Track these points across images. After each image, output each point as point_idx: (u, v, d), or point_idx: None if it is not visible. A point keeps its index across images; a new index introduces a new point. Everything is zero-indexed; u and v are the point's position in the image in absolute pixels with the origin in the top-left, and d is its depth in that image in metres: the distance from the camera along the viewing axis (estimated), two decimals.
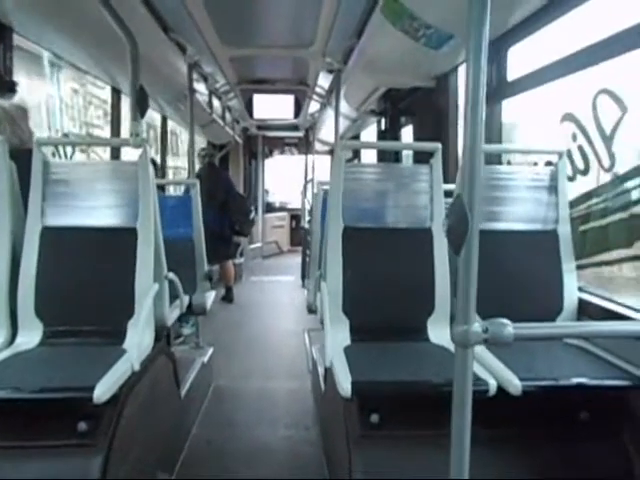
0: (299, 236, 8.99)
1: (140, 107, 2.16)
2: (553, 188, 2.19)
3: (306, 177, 8.09)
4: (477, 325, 0.98)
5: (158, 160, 5.31)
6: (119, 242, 2.03)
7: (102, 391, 1.50)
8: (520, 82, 2.50)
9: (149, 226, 2.04)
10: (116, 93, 3.88)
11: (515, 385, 1.57)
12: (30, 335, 1.92)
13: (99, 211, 2.07)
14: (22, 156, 2.02)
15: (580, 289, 2.16)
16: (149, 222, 2.04)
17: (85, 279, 2.02)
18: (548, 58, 2.21)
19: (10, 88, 2.59)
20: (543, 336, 1.19)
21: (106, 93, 4.07)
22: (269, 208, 9.63)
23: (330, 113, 5.88)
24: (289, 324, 4.90)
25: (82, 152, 4.06)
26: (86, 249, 2.05)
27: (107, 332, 1.94)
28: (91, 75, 3.76)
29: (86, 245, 2.05)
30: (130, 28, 2.25)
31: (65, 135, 3.65)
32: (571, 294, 2.13)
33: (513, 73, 2.59)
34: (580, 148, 2.18)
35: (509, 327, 0.97)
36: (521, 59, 2.56)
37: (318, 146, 8.55)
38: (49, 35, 2.71)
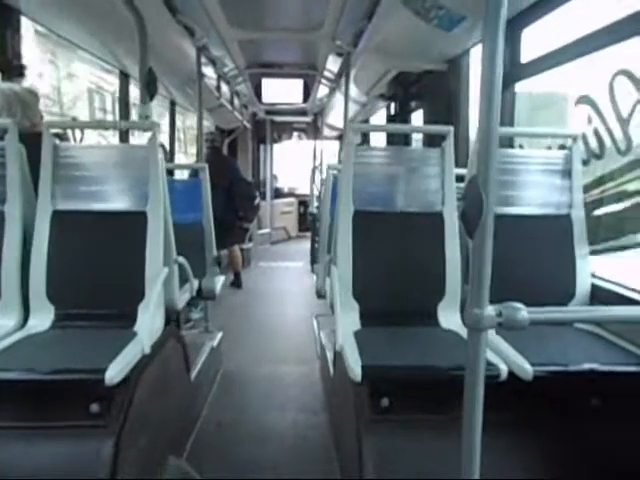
0: (307, 222, 8.98)
1: (149, 90, 2.15)
2: (567, 172, 2.16)
3: (314, 162, 8.05)
4: (491, 309, 0.97)
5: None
6: (129, 226, 2.03)
7: (114, 373, 1.51)
8: (534, 64, 2.44)
9: (159, 210, 2.04)
10: (124, 77, 3.86)
11: (526, 370, 1.56)
12: (42, 318, 1.93)
13: (109, 195, 2.06)
14: (32, 140, 2.02)
15: (593, 275, 2.14)
16: (159, 206, 2.04)
17: (96, 263, 2.03)
18: (562, 40, 2.15)
19: (20, 72, 2.59)
20: (558, 320, 1.17)
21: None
22: (277, 194, 9.59)
23: (339, 97, 5.82)
24: (297, 310, 4.91)
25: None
26: (96, 233, 2.05)
27: (118, 315, 1.95)
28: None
29: (96, 229, 2.05)
30: (138, 9, 2.22)
31: (73, 119, 3.66)
32: (584, 279, 2.11)
33: (526, 55, 2.54)
34: (596, 131, 2.14)
35: (523, 311, 0.96)
36: (534, 41, 2.50)
37: (326, 131, 8.50)
38: (57, 18, 2.69)
